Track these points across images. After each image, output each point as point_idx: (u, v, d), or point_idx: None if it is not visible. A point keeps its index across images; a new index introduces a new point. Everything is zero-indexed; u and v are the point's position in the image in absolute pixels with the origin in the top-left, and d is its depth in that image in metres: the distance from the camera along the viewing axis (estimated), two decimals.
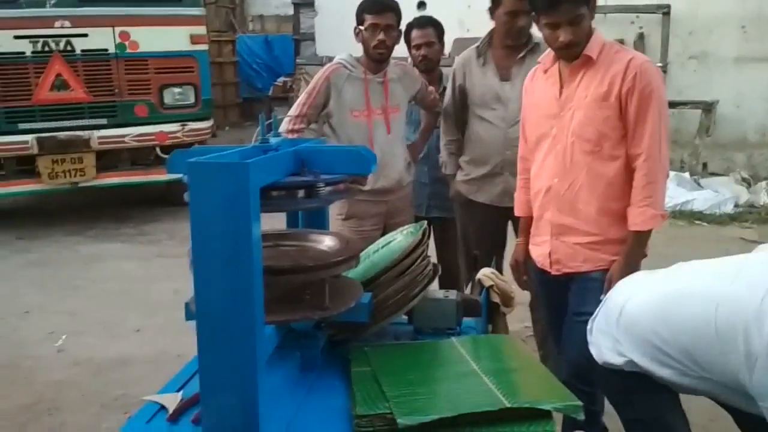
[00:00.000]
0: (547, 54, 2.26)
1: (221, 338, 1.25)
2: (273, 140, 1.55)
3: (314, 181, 1.46)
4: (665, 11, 7.49)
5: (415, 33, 3.34)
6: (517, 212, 2.50)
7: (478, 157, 2.98)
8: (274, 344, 1.50)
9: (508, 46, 2.82)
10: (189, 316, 1.47)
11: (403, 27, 3.05)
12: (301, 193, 1.46)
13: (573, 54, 2.13)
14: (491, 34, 2.93)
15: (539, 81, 2.30)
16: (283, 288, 1.51)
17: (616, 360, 1.76)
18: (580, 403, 1.34)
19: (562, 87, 2.18)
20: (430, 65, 3.37)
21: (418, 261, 1.75)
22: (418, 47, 3.33)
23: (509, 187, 2.84)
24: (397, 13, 2.91)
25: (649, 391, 1.74)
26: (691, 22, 7.30)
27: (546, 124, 2.22)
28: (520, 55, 2.80)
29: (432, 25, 3.36)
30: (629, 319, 1.74)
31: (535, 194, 2.32)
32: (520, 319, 3.51)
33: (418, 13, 6.89)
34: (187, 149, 1.50)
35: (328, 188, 1.49)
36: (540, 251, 2.30)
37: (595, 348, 1.86)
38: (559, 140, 2.17)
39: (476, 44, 2.97)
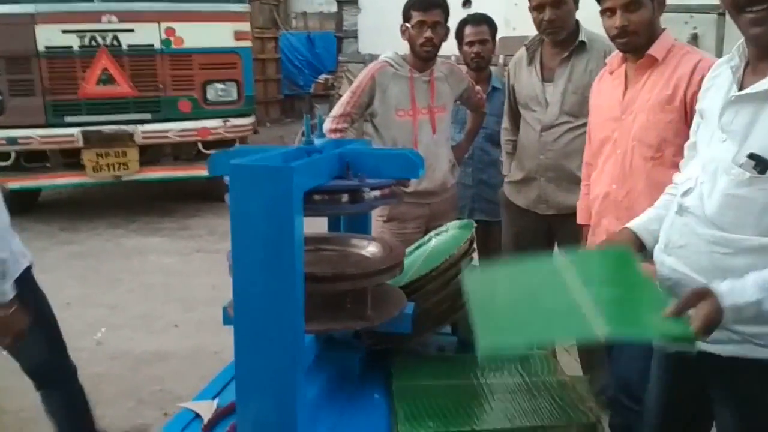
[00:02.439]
0: (615, 55, 2.18)
1: (260, 346, 1.20)
2: (317, 141, 1.49)
3: (359, 186, 1.39)
4: (720, 12, 7.20)
5: (468, 30, 3.27)
6: (579, 220, 2.42)
7: (519, 159, 2.90)
8: (313, 354, 1.45)
9: (557, 45, 2.72)
10: (227, 320, 1.42)
11: (450, 24, 2.97)
12: (345, 197, 1.40)
13: (629, 45, 2.05)
14: None
15: (605, 83, 2.22)
16: (324, 296, 1.45)
17: None
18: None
19: (626, 89, 2.08)
20: (481, 63, 3.29)
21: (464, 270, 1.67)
22: (471, 44, 3.26)
23: (545, 194, 2.76)
24: (445, 10, 2.83)
25: None
26: None
27: (608, 127, 2.13)
28: (565, 54, 2.69)
29: (486, 23, 3.28)
30: None
31: (593, 200, 2.25)
32: None
33: (462, 12, 6.77)
34: (228, 150, 1.46)
35: (374, 193, 1.43)
36: None
37: None
38: (619, 144, 2.08)
39: (526, 42, 2.88)
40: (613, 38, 2.08)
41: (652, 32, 2.02)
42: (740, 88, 1.41)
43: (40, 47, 5.83)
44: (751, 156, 1.34)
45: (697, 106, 1.61)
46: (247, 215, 1.16)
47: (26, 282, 2.09)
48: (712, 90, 1.54)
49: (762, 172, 1.32)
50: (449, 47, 3.38)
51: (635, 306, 1.35)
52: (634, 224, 1.68)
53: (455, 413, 1.31)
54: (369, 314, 1.43)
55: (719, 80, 1.52)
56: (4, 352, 2.25)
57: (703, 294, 1.29)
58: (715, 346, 1.42)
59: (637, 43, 2.03)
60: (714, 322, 1.26)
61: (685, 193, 1.50)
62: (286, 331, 1.19)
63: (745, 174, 1.35)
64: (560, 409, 1.32)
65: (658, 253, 1.57)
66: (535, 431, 1.25)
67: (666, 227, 1.56)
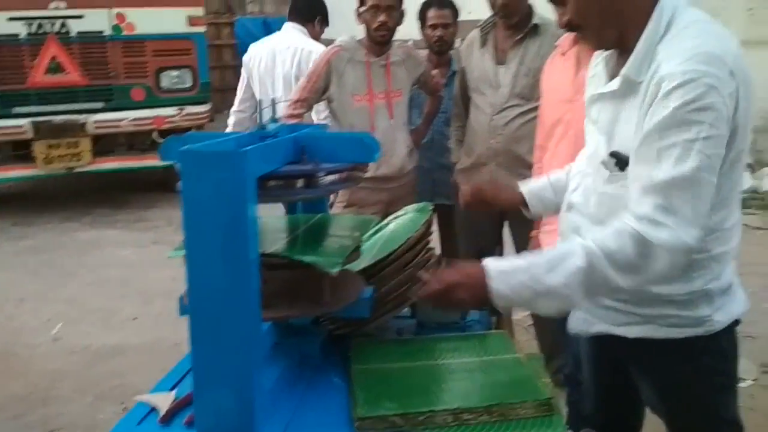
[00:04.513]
0: (566, 37, 2.19)
1: (216, 336, 1.18)
2: (271, 126, 1.47)
3: (314, 170, 1.38)
4: None
5: (432, 12, 3.27)
6: None
7: (468, 145, 2.91)
8: (271, 341, 1.44)
9: (510, 27, 2.73)
10: (183, 310, 1.40)
11: (409, 7, 2.95)
12: (300, 182, 1.39)
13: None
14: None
15: (557, 64, 2.24)
16: (280, 282, 1.44)
17: None
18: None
19: (578, 70, 2.11)
20: (444, 47, 3.30)
21: (422, 253, 1.68)
22: (434, 27, 3.25)
23: (495, 179, 2.77)
24: None
25: None
26: (697, 6, 7.14)
27: (560, 108, 2.16)
28: (518, 36, 2.71)
29: (450, 6, 3.29)
30: None
31: None
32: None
33: None
34: (180, 135, 1.43)
35: (329, 177, 1.42)
36: (550, 240, 2.23)
37: None
38: (572, 126, 2.10)
39: (480, 24, 2.89)
40: (563, 26, 2.11)
41: None
42: (612, 79, 1.41)
43: None
44: (613, 154, 1.35)
45: (585, 96, 1.60)
46: (199, 202, 1.14)
47: None
48: (595, 78, 1.53)
49: (622, 169, 1.33)
50: (409, 30, 3.38)
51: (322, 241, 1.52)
52: (527, 188, 1.75)
53: (413, 395, 1.32)
54: (327, 300, 1.42)
55: (599, 68, 1.51)
56: None
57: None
58: (621, 329, 1.46)
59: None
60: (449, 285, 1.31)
61: (574, 190, 1.52)
62: (243, 320, 1.18)
63: (607, 172, 1.37)
64: (516, 386, 1.34)
65: None
66: (491, 408, 1.26)
67: (560, 222, 1.59)
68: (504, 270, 1.29)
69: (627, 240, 1.24)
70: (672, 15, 1.32)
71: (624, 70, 1.32)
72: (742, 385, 3.02)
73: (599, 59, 1.52)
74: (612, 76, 1.41)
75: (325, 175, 1.41)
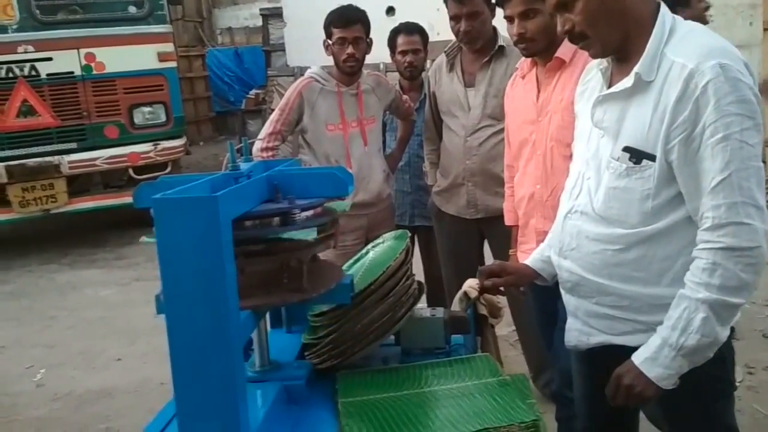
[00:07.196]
0: (525, 60, 2.23)
1: (198, 384, 1.18)
2: (244, 166, 1.48)
3: (289, 208, 1.39)
4: None
5: (401, 39, 3.30)
6: (507, 222, 2.46)
7: (444, 167, 2.94)
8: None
9: (475, 51, 2.77)
10: (160, 309, 1.36)
11: (374, 36, 2.99)
12: (276, 221, 1.40)
13: (529, 51, 2.12)
14: None
15: (518, 87, 2.27)
16: (258, 273, 1.43)
17: None
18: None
19: (539, 92, 2.14)
20: (414, 72, 3.33)
21: (402, 281, 1.69)
22: (404, 53, 3.29)
23: (473, 199, 2.81)
24: (365, 24, 2.86)
25: None
26: None
27: (526, 129, 2.19)
28: (485, 59, 2.75)
29: (419, 32, 3.32)
30: None
31: (518, 201, 2.29)
32: (508, 323, 3.47)
33: (387, 20, 6.84)
34: (152, 182, 1.43)
35: (305, 213, 1.43)
36: (527, 258, 2.25)
37: None
38: (538, 146, 2.13)
39: (445, 49, 2.93)
40: (515, 44, 2.16)
41: (551, 37, 2.05)
42: (609, 87, 1.51)
43: None
44: (626, 149, 1.43)
45: (575, 109, 1.69)
46: (175, 249, 1.14)
47: None
48: (586, 92, 1.63)
49: (637, 162, 1.42)
50: (380, 54, 3.40)
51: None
52: (530, 261, 1.81)
53: (402, 425, 1.32)
54: (305, 287, 1.41)
55: (592, 83, 1.61)
56: None
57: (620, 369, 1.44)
58: (621, 338, 1.50)
59: (535, 48, 2.10)
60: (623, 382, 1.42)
61: (576, 195, 1.58)
62: (225, 366, 1.17)
63: (622, 166, 1.44)
64: (502, 410, 1.35)
65: (554, 258, 1.65)
66: None
67: (557, 231, 1.64)
68: (647, 357, 1.40)
69: (721, 262, 1.32)
70: (673, 22, 1.43)
71: (637, 69, 1.40)
72: None
73: (591, 74, 1.62)
74: (610, 84, 1.50)
75: (301, 211, 1.42)
